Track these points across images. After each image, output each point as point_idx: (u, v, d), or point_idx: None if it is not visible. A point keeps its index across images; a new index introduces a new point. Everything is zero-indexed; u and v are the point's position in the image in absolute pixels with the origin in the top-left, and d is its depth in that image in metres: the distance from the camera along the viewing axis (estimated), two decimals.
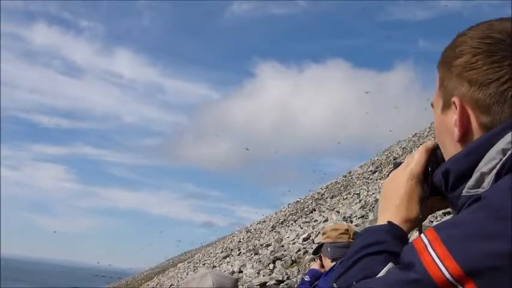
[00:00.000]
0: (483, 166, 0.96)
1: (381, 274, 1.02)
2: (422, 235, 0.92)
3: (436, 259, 0.86)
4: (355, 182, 24.56)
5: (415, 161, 1.19)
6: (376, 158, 29.71)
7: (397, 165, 1.26)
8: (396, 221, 1.16)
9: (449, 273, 0.84)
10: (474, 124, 1.02)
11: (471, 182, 0.97)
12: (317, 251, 4.06)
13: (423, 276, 0.86)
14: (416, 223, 1.18)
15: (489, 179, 0.95)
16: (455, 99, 1.04)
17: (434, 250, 0.87)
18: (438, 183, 1.08)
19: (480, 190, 0.96)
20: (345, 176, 29.91)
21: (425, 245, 0.89)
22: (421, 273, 0.87)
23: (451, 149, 1.08)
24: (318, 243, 4.17)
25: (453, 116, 1.05)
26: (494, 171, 0.95)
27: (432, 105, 1.16)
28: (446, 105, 1.07)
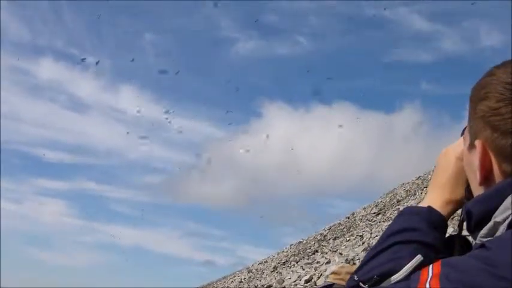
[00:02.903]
0: (498, 215, 0.95)
1: (406, 268, 1.02)
2: (430, 266, 0.92)
3: None
4: (358, 224, 24.34)
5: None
6: (379, 200, 29.50)
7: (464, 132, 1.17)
8: (439, 202, 1.16)
9: None
10: (496, 170, 1.00)
11: (485, 230, 0.96)
12: None
13: None
14: (460, 205, 1.15)
15: (502, 230, 0.94)
16: (477, 142, 1.02)
17: (430, 286, 0.88)
18: (464, 220, 1.06)
19: (490, 239, 0.93)
20: (348, 218, 29.66)
21: (427, 278, 0.90)
22: None
23: (474, 189, 1.07)
24: (327, 284, 4.09)
25: (477, 157, 1.02)
26: (507, 221, 0.93)
27: (464, 138, 1.13)
28: (472, 145, 1.05)
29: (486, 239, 0.95)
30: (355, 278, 1.06)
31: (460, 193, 1.17)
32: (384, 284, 1.03)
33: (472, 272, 0.86)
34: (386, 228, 1.15)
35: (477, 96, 1.05)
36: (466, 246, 1.14)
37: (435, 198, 1.17)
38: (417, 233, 1.09)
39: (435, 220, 1.13)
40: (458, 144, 1.19)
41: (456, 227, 1.16)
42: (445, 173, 1.19)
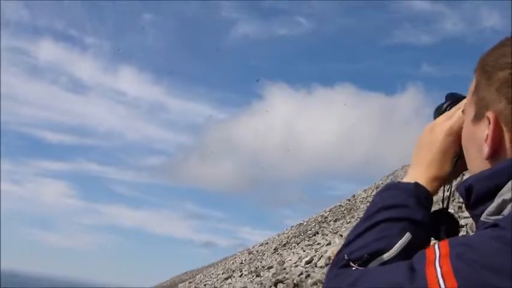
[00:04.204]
0: (506, 192, 0.93)
1: (397, 246, 1.01)
2: (436, 246, 0.90)
3: (440, 276, 0.86)
4: (359, 206, 24.41)
5: (457, 117, 1.13)
6: (380, 182, 29.56)
7: (440, 110, 1.18)
8: (425, 177, 1.13)
9: None
10: (507, 144, 0.98)
11: (492, 207, 0.94)
12: None
13: None
14: (445, 181, 1.15)
15: (510, 208, 0.92)
16: (490, 114, 0.99)
17: (440, 266, 0.86)
18: (460, 195, 1.04)
19: (500, 217, 0.92)
20: (349, 200, 29.74)
21: (435, 258, 0.88)
22: (422, 286, 0.86)
23: (476, 162, 1.04)
24: (329, 263, 4.13)
25: (485, 130, 1.00)
26: None
27: (463, 110, 1.11)
28: (479, 116, 1.02)
29: (494, 218, 0.93)
30: (345, 257, 1.03)
31: (446, 170, 1.14)
32: (374, 263, 1.00)
33: (488, 252, 0.85)
34: (371, 203, 1.11)
35: (493, 65, 1.00)
36: (452, 223, 1.14)
37: (420, 174, 1.14)
38: (406, 210, 1.07)
39: (422, 197, 1.10)
40: (445, 119, 1.16)
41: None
42: (431, 149, 1.15)
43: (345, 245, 1.06)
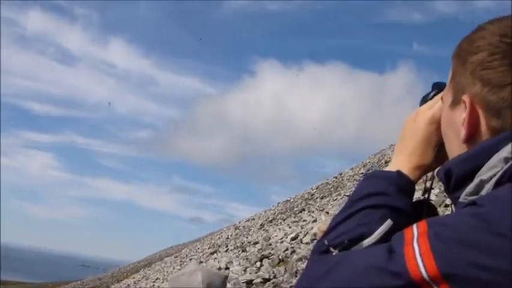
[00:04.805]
0: (484, 173, 0.93)
1: (377, 233, 1.01)
2: (414, 225, 0.90)
3: (418, 255, 0.85)
4: (346, 184, 24.58)
5: (438, 105, 1.14)
6: (367, 161, 29.74)
7: (426, 99, 1.20)
8: (408, 166, 1.14)
9: (426, 272, 0.83)
10: (483, 126, 0.98)
11: (470, 188, 0.95)
12: None
13: (402, 270, 0.85)
14: (428, 170, 1.16)
15: (488, 187, 0.93)
16: (465, 97, 0.99)
17: (418, 245, 0.86)
18: (440, 180, 1.04)
19: (477, 197, 0.92)
20: (336, 177, 29.92)
21: (413, 237, 0.88)
22: (401, 266, 0.86)
23: (455, 147, 1.04)
24: (314, 238, 4.15)
25: (462, 114, 1.00)
26: (494, 179, 0.92)
27: (442, 97, 1.11)
28: (456, 101, 1.02)
29: (472, 198, 0.93)
30: (326, 242, 1.03)
31: (428, 158, 1.15)
32: (354, 248, 1.00)
33: (466, 229, 0.85)
34: (354, 192, 1.12)
35: (467, 50, 1.02)
36: (432, 212, 1.14)
37: (403, 163, 1.15)
38: (387, 198, 1.07)
39: (404, 185, 1.11)
40: (427, 108, 1.16)
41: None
42: (414, 137, 1.16)
43: (327, 232, 1.06)
